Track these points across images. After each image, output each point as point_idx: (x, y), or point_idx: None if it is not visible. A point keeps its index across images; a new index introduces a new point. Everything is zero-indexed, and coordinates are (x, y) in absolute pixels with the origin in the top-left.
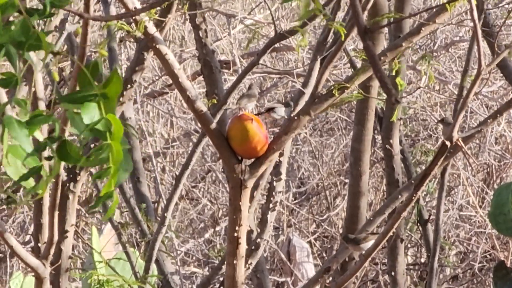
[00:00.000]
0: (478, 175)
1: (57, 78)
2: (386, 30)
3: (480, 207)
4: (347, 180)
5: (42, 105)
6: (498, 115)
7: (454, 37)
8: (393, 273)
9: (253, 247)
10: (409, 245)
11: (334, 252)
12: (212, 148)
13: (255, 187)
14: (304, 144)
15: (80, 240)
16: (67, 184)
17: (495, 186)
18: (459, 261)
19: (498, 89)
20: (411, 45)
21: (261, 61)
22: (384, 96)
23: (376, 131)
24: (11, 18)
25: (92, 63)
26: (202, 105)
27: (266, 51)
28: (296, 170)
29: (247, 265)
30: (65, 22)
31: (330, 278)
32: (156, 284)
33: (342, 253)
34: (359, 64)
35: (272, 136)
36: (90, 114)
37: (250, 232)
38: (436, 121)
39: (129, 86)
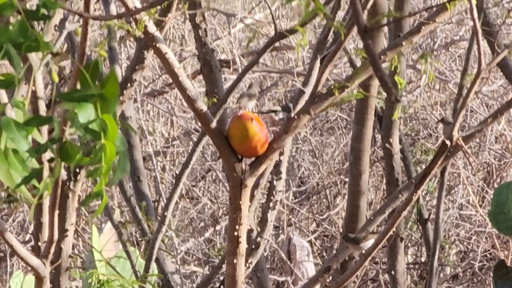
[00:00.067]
0: (478, 174)
1: (56, 80)
2: (386, 29)
3: (480, 206)
4: (347, 179)
5: (42, 104)
6: (499, 115)
7: (454, 36)
8: (393, 272)
9: (253, 246)
10: (409, 244)
11: (334, 251)
12: (212, 147)
13: (255, 186)
14: (304, 143)
15: (80, 239)
16: (67, 183)
17: (495, 185)
18: (459, 260)
19: (498, 88)
20: (411, 44)
21: (261, 60)
22: (384, 95)
23: (376, 130)
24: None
25: (92, 63)
26: (202, 104)
27: (266, 50)
28: (296, 169)
29: (247, 264)
30: (65, 21)
31: (330, 278)
32: (157, 283)
33: (342, 252)
34: (359, 63)
35: (272, 135)
36: (86, 113)
37: (250, 231)
38: (436, 120)
39: (129, 85)
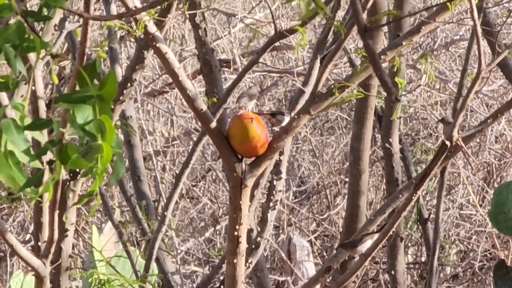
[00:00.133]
0: (478, 174)
1: (56, 82)
2: (385, 29)
3: (481, 206)
4: (347, 179)
5: (42, 104)
6: (499, 115)
7: (454, 36)
8: (393, 272)
9: (253, 246)
10: (409, 244)
11: (334, 251)
12: (212, 147)
13: (255, 186)
14: (305, 143)
15: (80, 239)
16: (67, 183)
17: (495, 185)
18: (459, 260)
19: (498, 88)
20: (411, 44)
21: (261, 60)
22: (384, 94)
23: (376, 130)
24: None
25: (90, 63)
26: (202, 104)
27: (266, 49)
28: (297, 169)
29: (247, 264)
30: (65, 21)
31: (330, 277)
32: (157, 283)
33: (342, 252)
34: (358, 63)
35: (272, 135)
36: (84, 114)
37: (250, 231)
38: (436, 120)
39: (129, 84)
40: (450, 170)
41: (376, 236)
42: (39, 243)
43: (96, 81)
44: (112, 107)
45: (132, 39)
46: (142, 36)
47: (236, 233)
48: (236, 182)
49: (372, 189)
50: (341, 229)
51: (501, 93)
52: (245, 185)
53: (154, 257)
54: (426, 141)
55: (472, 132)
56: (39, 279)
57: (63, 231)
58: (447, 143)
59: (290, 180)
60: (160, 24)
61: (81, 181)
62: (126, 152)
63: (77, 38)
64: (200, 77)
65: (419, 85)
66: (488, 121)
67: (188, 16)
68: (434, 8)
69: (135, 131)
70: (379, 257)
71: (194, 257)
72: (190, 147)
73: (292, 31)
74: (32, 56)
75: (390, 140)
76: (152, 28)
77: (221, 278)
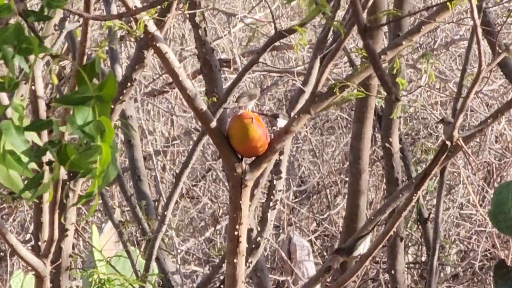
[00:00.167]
0: (478, 173)
1: (56, 82)
2: (385, 28)
3: (481, 205)
4: (347, 179)
5: (42, 104)
6: (499, 115)
7: (455, 36)
8: (393, 272)
9: (253, 246)
10: (409, 244)
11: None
12: (212, 147)
13: (256, 185)
14: (305, 143)
15: (80, 238)
16: (67, 183)
17: (496, 185)
18: (459, 260)
19: (499, 88)
20: (411, 43)
21: (261, 60)
22: (384, 94)
23: (376, 129)
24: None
25: (89, 63)
26: (202, 103)
27: (266, 49)
28: (297, 168)
29: (247, 264)
30: (65, 21)
31: (331, 277)
32: (157, 282)
33: (338, 257)
34: (358, 62)
35: (272, 134)
36: (83, 115)
37: (250, 230)
38: (436, 119)
39: (129, 84)
40: (450, 170)
41: (376, 236)
42: (39, 243)
43: (95, 81)
44: (112, 106)
45: (132, 39)
46: (142, 36)
47: (236, 232)
48: (236, 181)
49: (372, 189)
50: (341, 229)
51: (501, 93)
52: (245, 185)
53: (154, 256)
54: (426, 141)
55: (472, 132)
56: (39, 278)
57: (63, 231)
58: (448, 143)
59: (290, 179)
60: (160, 24)
61: (81, 181)
62: (126, 152)
63: (77, 38)
64: (200, 77)
65: (420, 87)
66: (488, 121)
67: (188, 15)
68: (434, 8)
69: (135, 130)
70: (379, 257)
71: (194, 256)
72: (190, 146)
73: (292, 31)
74: (31, 56)
75: (390, 139)
76: (152, 28)
77: (221, 277)
